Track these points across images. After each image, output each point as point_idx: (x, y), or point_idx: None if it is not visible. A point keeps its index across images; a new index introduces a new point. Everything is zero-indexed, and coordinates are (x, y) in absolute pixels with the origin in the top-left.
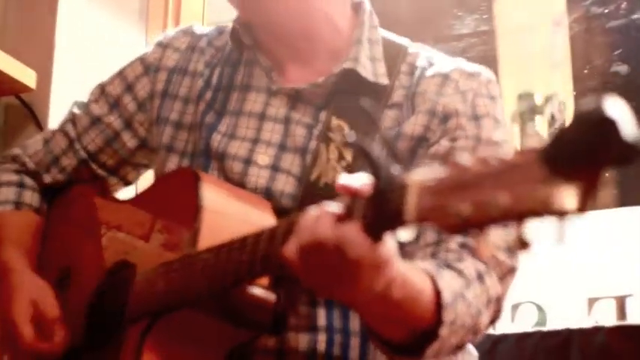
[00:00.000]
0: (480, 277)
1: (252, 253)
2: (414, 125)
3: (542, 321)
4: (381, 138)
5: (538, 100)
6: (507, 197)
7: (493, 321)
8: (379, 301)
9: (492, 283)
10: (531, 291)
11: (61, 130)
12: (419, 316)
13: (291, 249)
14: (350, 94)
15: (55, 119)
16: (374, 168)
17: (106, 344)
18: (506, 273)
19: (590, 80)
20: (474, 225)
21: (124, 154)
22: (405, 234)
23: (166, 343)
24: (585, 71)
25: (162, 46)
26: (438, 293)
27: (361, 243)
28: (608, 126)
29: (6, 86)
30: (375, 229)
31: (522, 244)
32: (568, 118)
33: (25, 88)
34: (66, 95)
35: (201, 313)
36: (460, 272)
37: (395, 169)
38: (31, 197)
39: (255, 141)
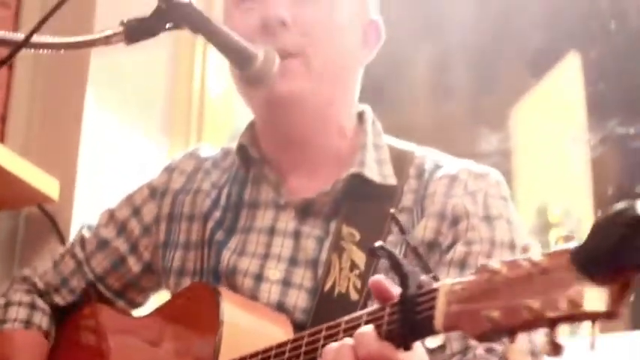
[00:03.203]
0: None
1: None
2: (424, 229)
3: None
4: (407, 244)
5: (555, 216)
6: (538, 302)
7: None
8: None
9: None
10: None
11: (70, 252)
12: None
13: None
14: (359, 200)
15: (77, 230)
16: (402, 275)
17: None
18: None
19: (614, 202)
20: (504, 330)
21: (130, 278)
22: (433, 341)
23: None
24: (609, 193)
25: (169, 170)
26: None
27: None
28: None
29: (28, 196)
30: (405, 338)
31: (555, 348)
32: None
33: (48, 199)
34: (89, 206)
35: None
36: None
37: (422, 276)
38: (40, 319)
39: (266, 256)
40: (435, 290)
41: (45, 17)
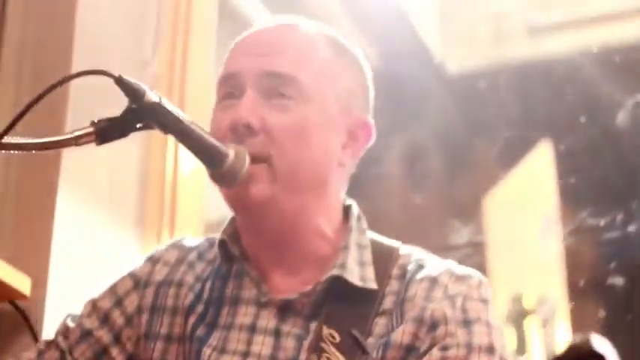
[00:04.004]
0: None
1: None
2: (402, 334)
3: None
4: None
5: (529, 303)
6: None
7: None
8: None
9: None
10: None
11: (54, 342)
12: None
13: None
14: (340, 301)
15: (49, 326)
16: None
17: None
18: None
19: (586, 292)
20: None
21: None
22: None
23: None
24: (581, 284)
25: (153, 260)
26: None
27: None
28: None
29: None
30: None
31: None
32: (559, 322)
33: (20, 295)
34: (61, 303)
35: None
36: None
37: None
38: None
39: (246, 354)
40: None
41: (15, 119)
